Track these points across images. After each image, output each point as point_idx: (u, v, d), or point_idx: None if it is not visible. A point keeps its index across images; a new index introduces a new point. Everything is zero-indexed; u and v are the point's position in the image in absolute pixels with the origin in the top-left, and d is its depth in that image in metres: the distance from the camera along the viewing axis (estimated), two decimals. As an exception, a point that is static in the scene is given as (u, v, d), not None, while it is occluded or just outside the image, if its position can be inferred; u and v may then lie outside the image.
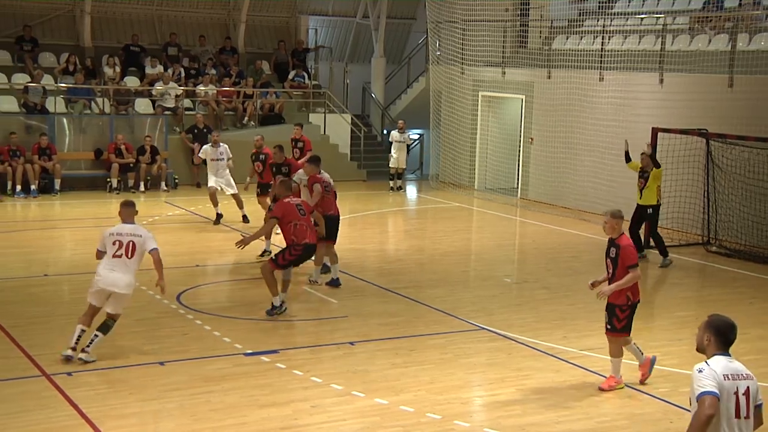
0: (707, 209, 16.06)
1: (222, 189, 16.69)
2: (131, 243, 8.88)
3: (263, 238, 13.50)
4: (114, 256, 8.86)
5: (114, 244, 8.88)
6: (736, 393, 5.09)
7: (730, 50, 16.78)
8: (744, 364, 5.26)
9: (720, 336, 5.22)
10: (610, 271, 8.63)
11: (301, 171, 13.03)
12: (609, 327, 8.74)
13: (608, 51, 19.09)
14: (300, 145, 17.23)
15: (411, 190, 23.05)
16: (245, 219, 16.69)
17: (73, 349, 8.82)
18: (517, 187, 21.65)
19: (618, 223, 8.59)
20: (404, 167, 22.61)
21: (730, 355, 5.21)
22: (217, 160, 16.78)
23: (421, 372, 9.01)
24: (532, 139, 20.98)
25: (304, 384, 8.57)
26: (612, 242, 8.64)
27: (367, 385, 8.56)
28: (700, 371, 5.10)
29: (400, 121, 22.78)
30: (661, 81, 17.81)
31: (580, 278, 13.54)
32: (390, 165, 22.24)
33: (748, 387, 5.12)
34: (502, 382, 8.80)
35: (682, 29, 18.68)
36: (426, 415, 7.92)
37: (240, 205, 16.72)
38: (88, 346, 8.83)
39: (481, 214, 19.66)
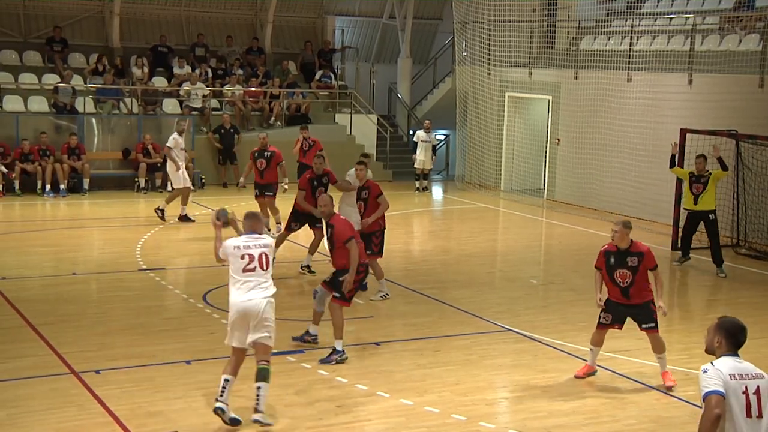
0: (737, 211, 15.90)
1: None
2: (263, 255, 7.77)
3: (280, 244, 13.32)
4: (245, 270, 7.70)
5: (243, 258, 7.71)
6: (746, 392, 5.04)
7: (761, 50, 16.59)
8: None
9: (730, 338, 5.19)
10: (628, 281, 8.68)
11: (352, 173, 11.92)
12: (653, 325, 8.76)
13: (636, 51, 18.97)
14: (311, 143, 17.22)
15: (437, 191, 23.03)
16: (183, 218, 16.57)
17: (218, 399, 7.55)
18: (544, 188, 21.56)
19: (628, 233, 8.76)
20: (430, 167, 22.58)
21: (738, 356, 5.18)
22: (184, 149, 16.76)
23: (446, 373, 9.00)
24: (558, 140, 20.89)
25: (330, 384, 8.59)
26: (627, 252, 8.69)
27: (392, 386, 8.56)
28: (705, 371, 5.09)
29: (427, 121, 22.75)
30: (690, 81, 17.67)
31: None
32: (415, 165, 22.23)
33: (758, 386, 5.07)
34: (528, 383, 8.77)
35: (711, 29, 18.51)
36: (451, 416, 7.91)
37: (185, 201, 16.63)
38: (257, 404, 7.59)
39: (507, 215, 19.60)
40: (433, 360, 9.43)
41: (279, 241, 13.34)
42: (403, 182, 22.90)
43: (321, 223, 12.30)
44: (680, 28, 19.10)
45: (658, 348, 8.83)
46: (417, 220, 19.23)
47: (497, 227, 18.63)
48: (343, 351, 9.18)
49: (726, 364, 5.10)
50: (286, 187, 15.54)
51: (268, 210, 15.25)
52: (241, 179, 15.62)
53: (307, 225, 13.01)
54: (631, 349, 9.93)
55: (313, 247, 12.93)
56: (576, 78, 20.22)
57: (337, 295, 9.25)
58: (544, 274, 14.42)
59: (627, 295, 8.73)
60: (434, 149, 22.74)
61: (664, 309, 8.77)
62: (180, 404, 7.99)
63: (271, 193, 15.22)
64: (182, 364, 8.97)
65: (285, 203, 14.83)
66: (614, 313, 8.87)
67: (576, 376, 8.99)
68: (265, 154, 15.18)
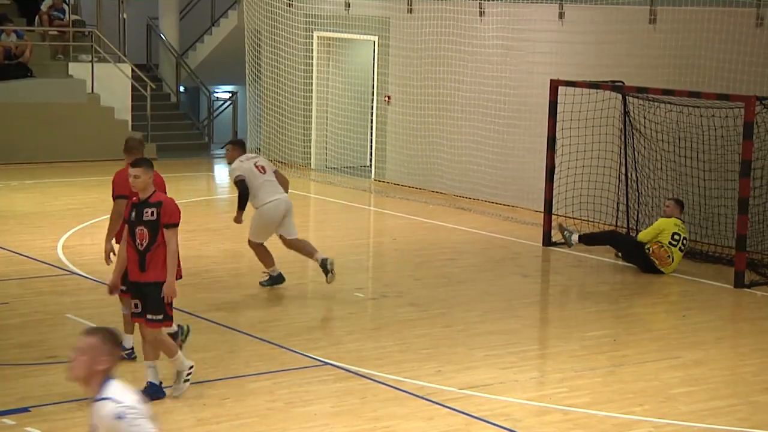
0: (626, 191, 16.64)
1: None
2: None
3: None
4: None
5: None
6: None
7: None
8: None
9: None
10: None
11: None
12: None
13: (490, -26, 19.52)
14: None
15: (221, 172, 22.88)
16: None
17: None
18: (371, 165, 21.87)
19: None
20: None
21: None
22: None
23: (239, 428, 9.01)
24: (388, 97, 21.22)
25: (71, 455, 8.42)
26: None
27: (164, 452, 8.48)
28: None
29: None
30: (561, 15, 18.34)
31: (460, 289, 13.83)
32: None
33: None
34: (354, 437, 8.90)
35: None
36: (248, 489, 7.93)
37: None
38: None
39: (321, 204, 19.74)
40: (221, 412, 9.42)
41: None
42: (173, 160, 22.64)
43: None
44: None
45: None
46: (194, 214, 19.00)
47: (308, 221, 18.72)
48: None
49: None
50: None
51: None
52: None
53: None
54: (492, 383, 10.25)
55: None
56: (410, 11, 20.60)
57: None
58: (374, 284, 14.64)
59: None
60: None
61: None
62: None
63: None
64: None
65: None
66: None
67: None
68: None
